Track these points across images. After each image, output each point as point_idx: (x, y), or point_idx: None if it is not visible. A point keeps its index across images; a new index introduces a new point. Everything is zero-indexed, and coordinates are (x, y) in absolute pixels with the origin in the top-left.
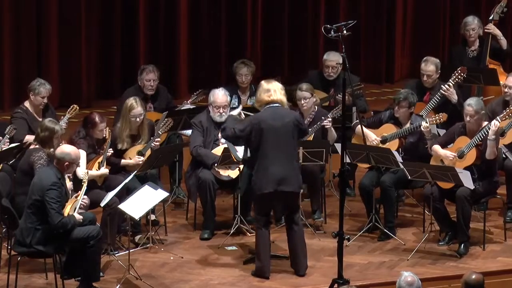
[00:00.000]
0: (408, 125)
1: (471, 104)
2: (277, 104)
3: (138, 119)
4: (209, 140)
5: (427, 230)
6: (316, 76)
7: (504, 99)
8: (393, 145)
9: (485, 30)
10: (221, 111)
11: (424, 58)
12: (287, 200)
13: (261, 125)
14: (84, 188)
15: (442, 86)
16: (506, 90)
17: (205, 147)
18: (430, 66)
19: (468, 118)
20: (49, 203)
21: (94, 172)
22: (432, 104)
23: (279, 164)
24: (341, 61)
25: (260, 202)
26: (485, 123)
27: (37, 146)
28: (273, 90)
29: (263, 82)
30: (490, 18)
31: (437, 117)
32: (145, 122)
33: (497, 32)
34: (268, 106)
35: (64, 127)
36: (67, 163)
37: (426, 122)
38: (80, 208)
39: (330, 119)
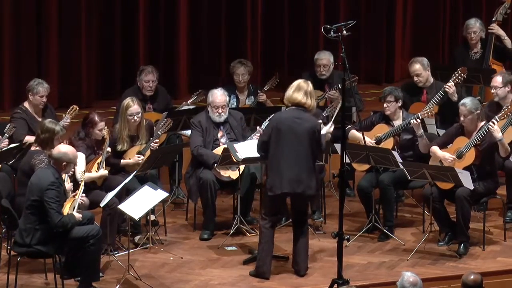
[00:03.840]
0: (400, 122)
1: (465, 103)
2: (302, 108)
3: (136, 118)
4: (208, 140)
5: (426, 231)
6: (308, 77)
7: (495, 101)
8: (388, 144)
9: (489, 31)
10: (220, 111)
11: (410, 61)
12: (300, 202)
13: (278, 126)
14: (82, 187)
15: (445, 84)
16: (492, 91)
17: (204, 147)
18: (415, 66)
19: (462, 118)
20: (48, 203)
21: (93, 174)
22: (434, 102)
23: (293, 166)
24: (332, 60)
25: (271, 202)
26: (483, 123)
27: (38, 148)
28: (310, 94)
29: (302, 82)
30: (494, 19)
31: (428, 110)
32: (143, 123)
33: (501, 32)
34: (292, 107)
35: (63, 126)
36: (64, 163)
37: (419, 117)
38: (79, 207)
39: (321, 121)
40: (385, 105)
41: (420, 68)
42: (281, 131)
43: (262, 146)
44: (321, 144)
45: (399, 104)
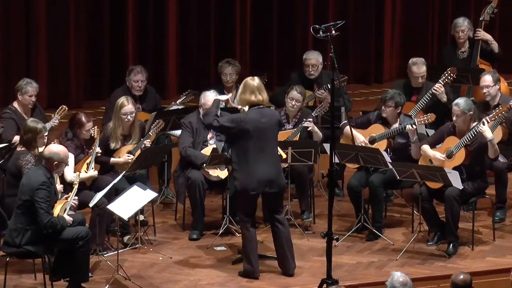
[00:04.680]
0: (396, 125)
1: (458, 103)
2: (262, 106)
3: (129, 117)
4: (198, 141)
5: (416, 230)
6: (297, 77)
7: (485, 101)
8: (381, 146)
9: (475, 38)
10: None
11: (413, 61)
12: (272, 201)
13: (247, 126)
14: (75, 190)
15: (434, 86)
16: (484, 90)
17: (194, 148)
18: (422, 68)
19: (455, 118)
20: (38, 203)
21: (82, 174)
22: (422, 104)
23: (265, 166)
24: (321, 60)
25: (245, 203)
26: (475, 123)
27: (23, 149)
28: (259, 90)
29: (248, 80)
30: (481, 19)
31: (425, 117)
32: (137, 122)
33: (488, 37)
34: (254, 107)
35: (52, 126)
36: (56, 162)
37: (415, 123)
38: (70, 209)
39: (311, 120)
40: (383, 107)
41: (425, 70)
42: (249, 132)
43: (224, 131)
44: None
45: (398, 110)
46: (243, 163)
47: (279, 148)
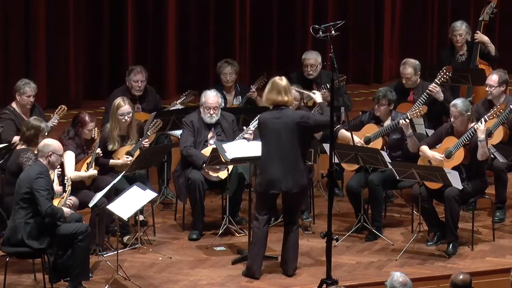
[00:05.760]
0: (389, 122)
1: (456, 104)
2: (283, 106)
3: (126, 118)
4: (199, 140)
5: (415, 230)
6: (296, 78)
7: (488, 99)
8: (377, 144)
9: (474, 40)
10: (211, 112)
11: (403, 61)
12: (289, 201)
13: (261, 126)
14: (69, 191)
15: (429, 86)
16: (487, 89)
17: (195, 147)
18: (408, 69)
19: (452, 119)
20: (38, 191)
21: (82, 173)
22: (419, 104)
23: (278, 166)
24: (319, 60)
25: (260, 200)
26: (473, 124)
27: (23, 146)
28: (285, 90)
29: (276, 80)
30: (480, 19)
31: (417, 110)
32: (134, 123)
33: (485, 39)
34: (275, 107)
35: (51, 126)
36: (50, 152)
37: (407, 117)
38: (66, 208)
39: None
40: (376, 106)
41: (412, 73)
42: (263, 131)
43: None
44: (311, 126)
45: (391, 107)
46: (261, 162)
47: None
